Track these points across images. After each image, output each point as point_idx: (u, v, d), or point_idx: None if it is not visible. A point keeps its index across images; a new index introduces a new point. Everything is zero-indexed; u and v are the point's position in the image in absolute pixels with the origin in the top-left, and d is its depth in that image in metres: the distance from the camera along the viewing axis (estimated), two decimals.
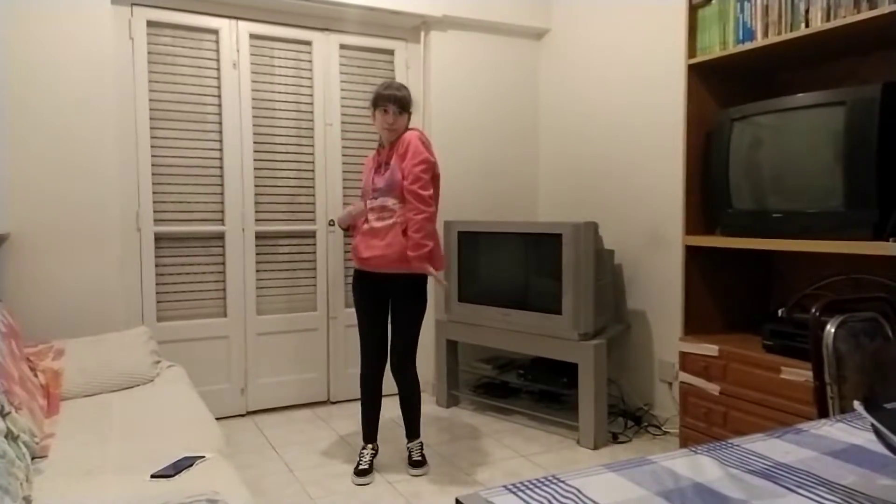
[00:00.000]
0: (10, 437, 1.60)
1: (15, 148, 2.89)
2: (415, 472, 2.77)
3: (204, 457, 1.83)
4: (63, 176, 2.98)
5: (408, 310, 2.76)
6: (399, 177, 2.68)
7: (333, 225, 3.71)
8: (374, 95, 2.73)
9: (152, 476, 1.71)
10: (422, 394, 2.90)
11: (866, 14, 2.09)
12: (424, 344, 3.84)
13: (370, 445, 2.82)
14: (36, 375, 2.39)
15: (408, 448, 2.84)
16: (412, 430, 2.86)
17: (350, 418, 3.45)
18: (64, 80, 2.97)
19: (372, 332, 2.79)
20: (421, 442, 2.87)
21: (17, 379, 2.05)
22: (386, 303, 2.80)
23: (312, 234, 3.71)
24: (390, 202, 2.70)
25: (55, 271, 2.98)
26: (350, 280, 3.76)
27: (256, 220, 3.54)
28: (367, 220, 2.76)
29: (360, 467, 2.73)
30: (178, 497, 1.42)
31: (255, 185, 3.53)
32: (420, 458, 2.81)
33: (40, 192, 2.94)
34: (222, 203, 3.46)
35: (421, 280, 2.75)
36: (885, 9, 2.04)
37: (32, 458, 1.74)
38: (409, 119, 2.77)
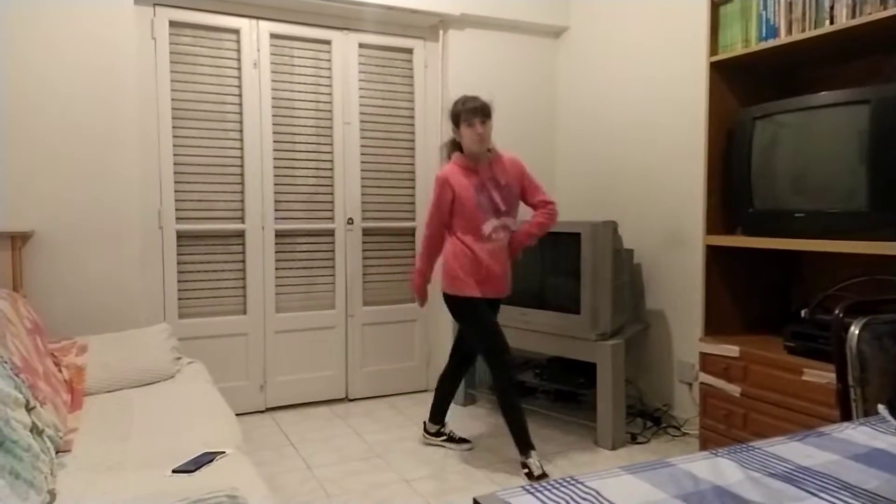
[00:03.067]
0: (35, 431, 1.63)
1: (38, 147, 2.93)
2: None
3: (224, 453, 1.85)
4: (86, 175, 3.03)
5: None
6: (517, 197, 2.83)
7: (352, 224, 3.73)
8: (456, 113, 2.73)
9: (173, 471, 1.73)
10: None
11: (893, 10, 2.05)
12: (443, 343, 3.86)
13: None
14: (60, 371, 2.43)
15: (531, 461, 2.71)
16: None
17: (367, 415, 3.46)
18: (87, 79, 3.01)
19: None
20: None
21: (42, 374, 2.08)
22: None
23: (331, 233, 3.72)
24: (510, 222, 2.82)
25: (78, 269, 3.02)
26: (368, 278, 3.79)
27: (276, 218, 3.57)
28: (489, 238, 2.75)
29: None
30: (198, 493, 1.43)
31: (275, 184, 3.55)
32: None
33: (63, 191, 2.99)
34: (242, 201, 3.49)
35: None
36: None
37: (56, 453, 1.77)
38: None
